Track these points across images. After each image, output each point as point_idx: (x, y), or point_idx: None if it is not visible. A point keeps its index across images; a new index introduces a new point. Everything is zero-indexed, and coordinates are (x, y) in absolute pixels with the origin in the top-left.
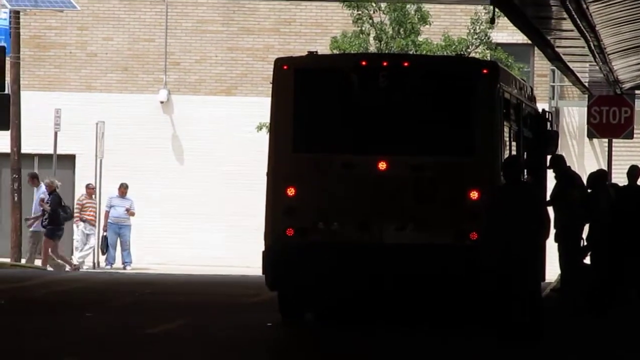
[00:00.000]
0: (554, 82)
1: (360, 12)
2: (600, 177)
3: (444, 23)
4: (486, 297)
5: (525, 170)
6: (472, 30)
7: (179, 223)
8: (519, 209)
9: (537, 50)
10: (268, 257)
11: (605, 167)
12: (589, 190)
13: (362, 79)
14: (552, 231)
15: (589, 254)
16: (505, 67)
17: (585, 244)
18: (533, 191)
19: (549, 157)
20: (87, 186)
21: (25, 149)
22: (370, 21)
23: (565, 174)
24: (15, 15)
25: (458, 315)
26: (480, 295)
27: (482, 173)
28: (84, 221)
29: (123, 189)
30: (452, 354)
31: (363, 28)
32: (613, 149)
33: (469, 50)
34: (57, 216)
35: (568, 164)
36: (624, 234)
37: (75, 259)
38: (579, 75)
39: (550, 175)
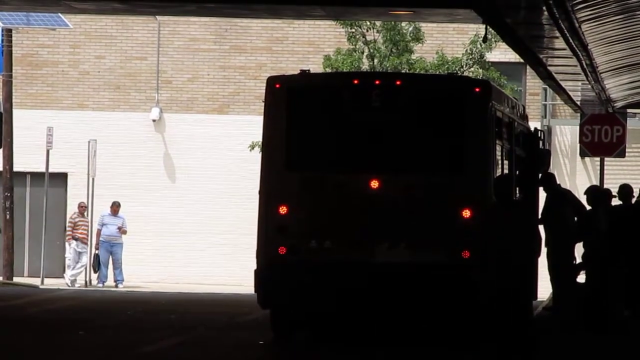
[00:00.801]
0: (546, 100)
1: (353, 30)
2: (602, 195)
3: (437, 41)
4: (482, 314)
5: (517, 189)
6: (468, 50)
7: (171, 241)
8: (510, 228)
9: (529, 69)
10: (260, 276)
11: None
12: (588, 208)
13: (355, 97)
14: (544, 249)
15: (582, 272)
16: (498, 86)
17: (579, 261)
18: (524, 210)
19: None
20: (79, 204)
21: (17, 167)
22: (364, 39)
23: (556, 192)
24: (7, 33)
25: (452, 334)
26: (474, 313)
27: (474, 191)
28: (76, 239)
29: (115, 207)
30: None
31: (356, 46)
32: (605, 167)
33: (462, 69)
34: None
35: (559, 182)
36: (620, 252)
37: (67, 277)
38: (571, 93)
39: (543, 193)
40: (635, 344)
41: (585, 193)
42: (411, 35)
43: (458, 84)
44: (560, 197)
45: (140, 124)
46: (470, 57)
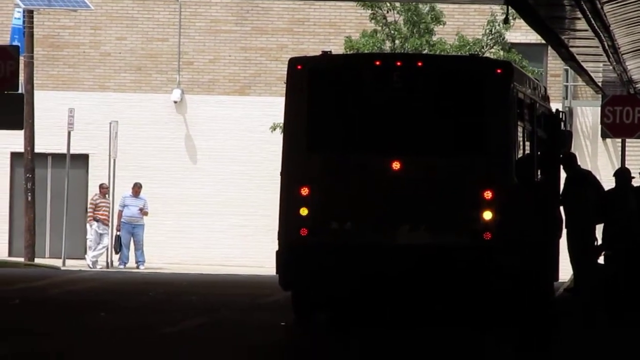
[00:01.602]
0: (567, 81)
1: (374, 11)
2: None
3: (458, 23)
4: (503, 297)
5: (539, 170)
6: (487, 31)
7: (192, 222)
8: (532, 209)
9: (550, 50)
10: (282, 257)
11: (618, 167)
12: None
13: (376, 78)
14: (564, 231)
15: (602, 253)
16: (519, 67)
17: (599, 243)
18: (546, 191)
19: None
20: (101, 186)
21: (38, 148)
22: (384, 20)
23: (577, 173)
24: (29, 15)
25: (474, 315)
26: (496, 295)
27: (495, 173)
28: (97, 221)
29: (137, 189)
30: (468, 357)
31: (380, 27)
32: (627, 148)
33: (483, 50)
34: None
35: (580, 163)
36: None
37: (88, 259)
38: (592, 75)
39: (563, 174)
40: None
41: (615, 175)
42: (431, 16)
43: (480, 65)
44: (581, 178)
45: (162, 106)
46: (491, 37)
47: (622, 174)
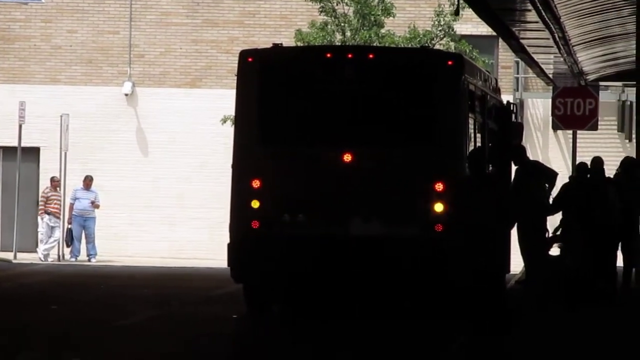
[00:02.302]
0: (518, 73)
1: (324, 3)
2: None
3: (409, 15)
4: (456, 287)
5: (490, 162)
6: (436, 22)
7: (144, 215)
8: (483, 201)
9: (501, 42)
10: (233, 250)
11: (569, 159)
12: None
13: (327, 71)
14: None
15: (555, 245)
16: (470, 59)
17: (551, 235)
18: (497, 183)
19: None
20: (52, 179)
21: None
22: (334, 13)
23: (527, 165)
24: None
25: (427, 307)
26: (447, 286)
27: (447, 164)
28: (48, 214)
29: (88, 181)
30: (421, 346)
31: (330, 19)
32: (578, 140)
33: (433, 42)
34: None
35: (531, 155)
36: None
37: (40, 252)
38: (543, 67)
39: (514, 167)
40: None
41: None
42: (381, 8)
43: (431, 57)
44: (531, 169)
45: (113, 98)
46: (439, 28)
47: (597, 165)
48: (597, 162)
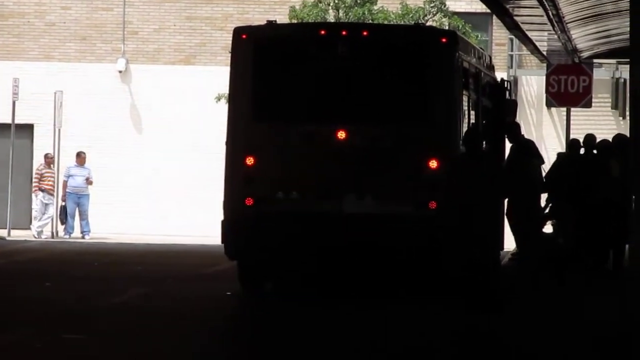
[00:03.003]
0: (512, 51)
1: None
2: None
3: None
4: (449, 265)
5: (484, 139)
6: None
7: (138, 192)
8: (477, 179)
9: (495, 19)
10: (227, 227)
11: (563, 136)
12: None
13: (321, 48)
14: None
15: (547, 222)
16: (464, 36)
17: (546, 212)
18: (491, 161)
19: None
20: (46, 156)
21: None
22: None
23: (521, 143)
24: None
25: (420, 285)
26: (440, 264)
27: (441, 142)
28: (42, 191)
29: (82, 158)
30: (414, 326)
31: None
32: (571, 118)
33: (426, 18)
34: None
35: (525, 133)
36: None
37: (34, 229)
38: (537, 44)
39: (508, 144)
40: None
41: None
42: None
43: (425, 34)
44: (524, 147)
45: (107, 75)
46: (432, 4)
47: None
48: (590, 139)
